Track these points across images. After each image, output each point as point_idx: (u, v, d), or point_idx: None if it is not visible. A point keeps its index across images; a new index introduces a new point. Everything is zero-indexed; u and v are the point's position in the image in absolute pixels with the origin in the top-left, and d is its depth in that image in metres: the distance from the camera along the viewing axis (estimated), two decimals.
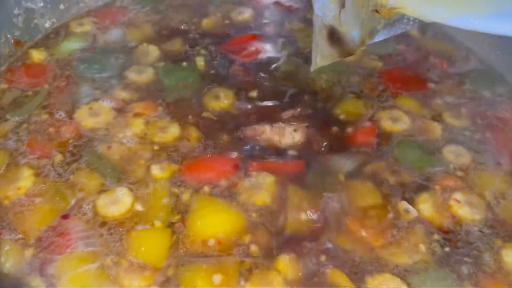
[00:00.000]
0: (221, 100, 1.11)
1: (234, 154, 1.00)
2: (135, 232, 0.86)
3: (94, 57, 1.21)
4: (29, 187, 0.91)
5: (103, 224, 0.87)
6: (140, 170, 0.96)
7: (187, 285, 0.79)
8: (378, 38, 0.91)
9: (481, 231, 0.90)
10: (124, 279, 0.79)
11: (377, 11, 0.85)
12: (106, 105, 1.08)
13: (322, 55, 0.96)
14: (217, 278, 0.80)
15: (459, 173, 1.00)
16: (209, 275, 0.80)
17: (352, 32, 0.91)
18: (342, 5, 0.90)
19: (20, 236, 0.85)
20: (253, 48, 1.27)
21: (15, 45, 1.22)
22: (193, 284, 0.79)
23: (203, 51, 1.25)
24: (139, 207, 0.89)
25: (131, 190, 0.92)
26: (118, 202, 0.89)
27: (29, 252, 0.83)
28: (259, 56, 1.26)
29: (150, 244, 0.85)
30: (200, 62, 1.21)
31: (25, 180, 0.92)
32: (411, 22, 0.89)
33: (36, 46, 1.24)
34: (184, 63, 1.21)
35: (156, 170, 0.95)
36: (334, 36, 0.92)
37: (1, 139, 1.00)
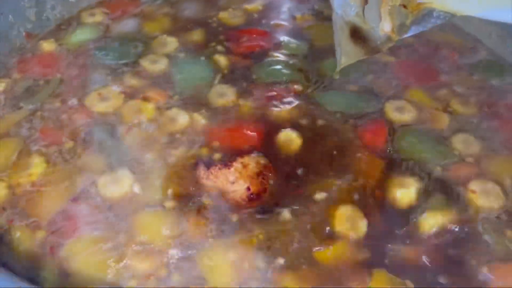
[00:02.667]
0: (225, 98, 1.10)
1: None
2: (138, 215, 0.87)
3: (110, 45, 1.22)
4: (40, 173, 0.93)
5: (110, 208, 0.88)
6: (151, 153, 0.97)
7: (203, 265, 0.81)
8: (407, 34, 0.86)
9: (498, 217, 0.90)
10: (132, 260, 0.80)
11: (404, 6, 0.81)
12: (115, 89, 1.09)
13: (346, 54, 0.90)
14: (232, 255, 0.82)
15: (470, 160, 0.99)
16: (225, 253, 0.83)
17: (377, 29, 0.86)
18: (366, 1, 0.85)
19: (31, 220, 0.86)
20: (255, 43, 1.27)
21: (27, 38, 1.23)
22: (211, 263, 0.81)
23: (219, 47, 1.24)
24: (136, 189, 0.91)
25: (133, 172, 0.93)
26: (117, 183, 0.91)
27: (40, 237, 0.84)
28: (259, 49, 1.25)
29: (154, 226, 0.86)
30: (217, 58, 1.20)
31: (37, 166, 0.94)
32: (442, 17, 0.82)
33: (47, 37, 1.25)
34: (201, 57, 1.20)
35: (171, 152, 0.97)
36: (357, 34, 0.87)
37: (14, 127, 1.01)
